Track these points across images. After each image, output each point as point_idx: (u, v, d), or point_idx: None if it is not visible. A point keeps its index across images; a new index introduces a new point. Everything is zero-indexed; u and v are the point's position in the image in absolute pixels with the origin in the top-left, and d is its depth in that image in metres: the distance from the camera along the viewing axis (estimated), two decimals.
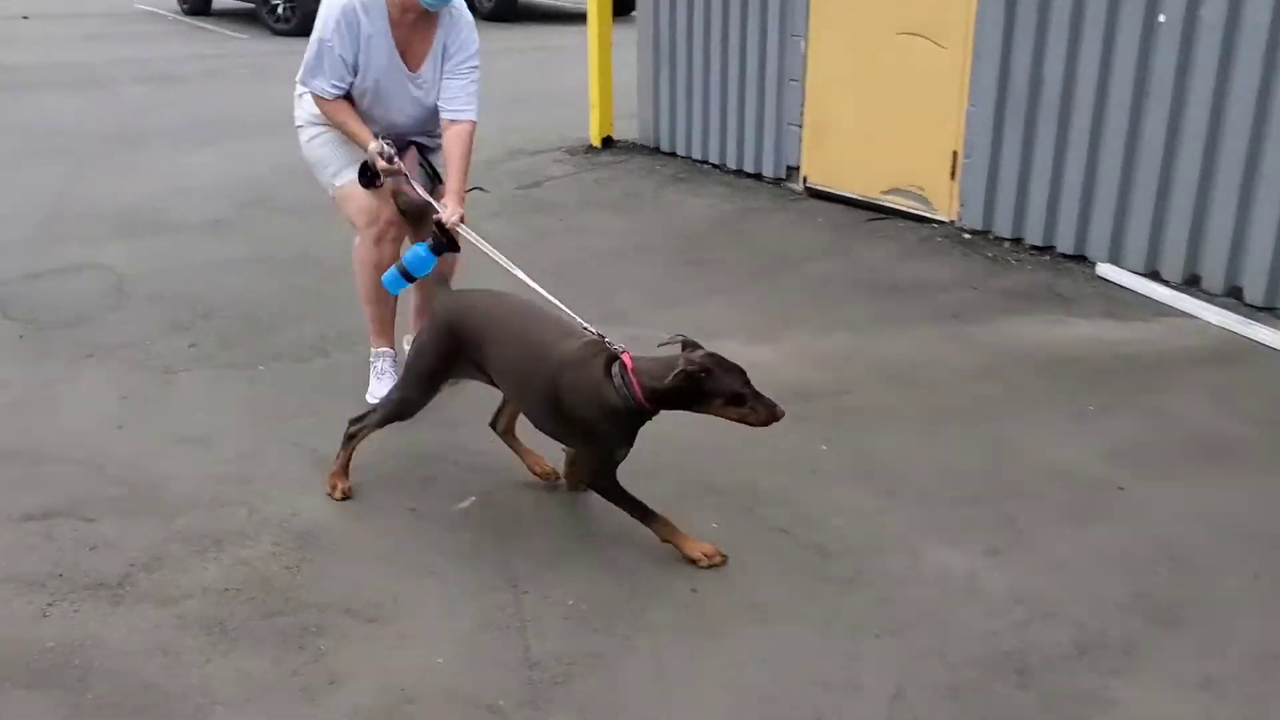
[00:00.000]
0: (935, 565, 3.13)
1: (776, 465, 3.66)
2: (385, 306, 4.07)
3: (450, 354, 3.24)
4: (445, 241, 3.49)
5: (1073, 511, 3.38)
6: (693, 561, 3.09)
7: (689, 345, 2.96)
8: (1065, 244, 5.69)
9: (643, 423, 3.02)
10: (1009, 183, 5.87)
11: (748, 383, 2.89)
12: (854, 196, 6.78)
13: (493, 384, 3.24)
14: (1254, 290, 4.96)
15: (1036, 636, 2.80)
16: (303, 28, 14.26)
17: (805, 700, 2.58)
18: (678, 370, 2.84)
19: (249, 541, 3.20)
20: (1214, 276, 5.11)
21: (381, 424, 3.41)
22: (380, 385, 4.06)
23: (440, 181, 3.94)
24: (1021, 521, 3.32)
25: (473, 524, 3.32)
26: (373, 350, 4.15)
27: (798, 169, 7.14)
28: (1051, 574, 3.08)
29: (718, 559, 3.10)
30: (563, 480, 3.49)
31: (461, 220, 3.59)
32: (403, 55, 3.81)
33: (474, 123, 3.90)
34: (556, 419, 3.07)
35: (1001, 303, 5.19)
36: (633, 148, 8.26)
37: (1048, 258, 5.74)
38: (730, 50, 7.34)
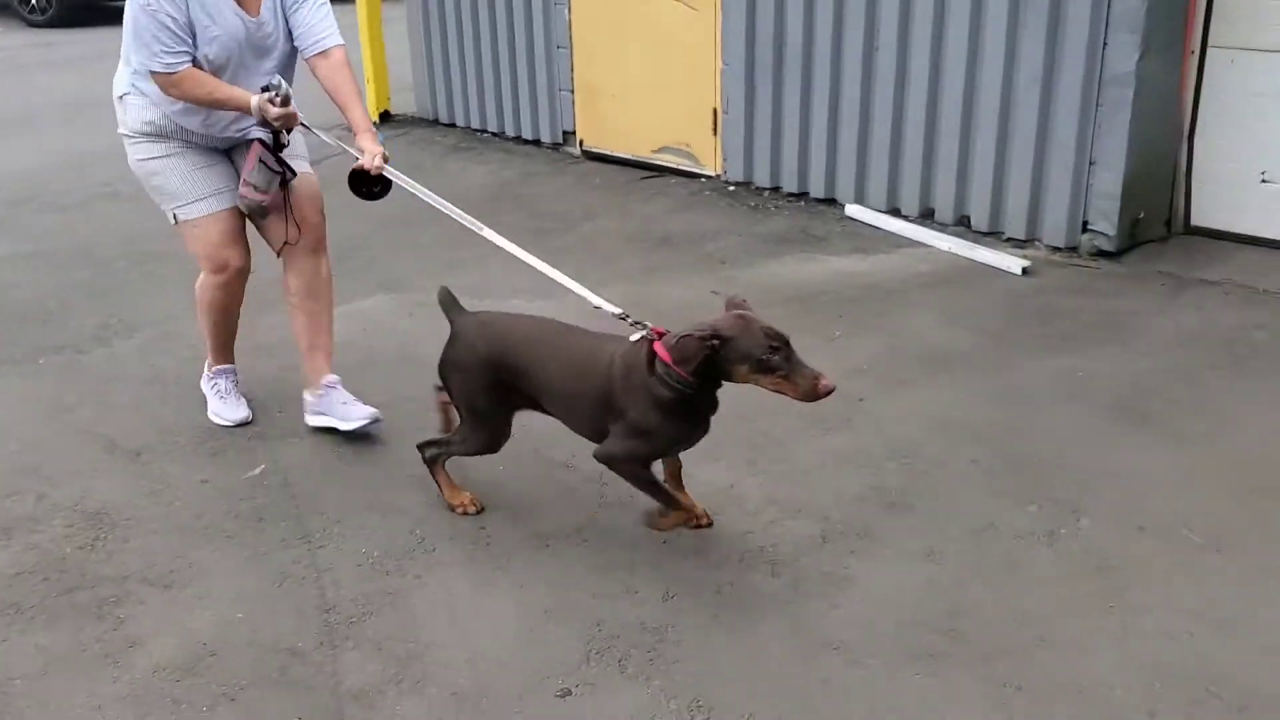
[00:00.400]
0: (702, 480, 3.46)
1: None
2: (227, 330, 3.85)
3: (494, 387, 3.07)
4: (374, 190, 3.42)
5: (819, 423, 3.77)
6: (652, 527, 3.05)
7: (734, 305, 2.80)
8: (817, 189, 6.17)
9: (709, 401, 2.87)
10: (764, 136, 6.30)
11: (777, 349, 2.64)
12: (628, 157, 7.10)
13: (539, 409, 3.11)
14: (979, 218, 5.53)
15: (785, 532, 3.16)
16: (61, 19, 13.59)
17: (585, 609, 2.86)
18: (680, 338, 2.68)
19: (39, 526, 3.24)
20: (945, 209, 5.66)
21: (465, 454, 3.26)
22: (225, 405, 3.86)
23: (293, 174, 3.57)
24: (775, 435, 3.69)
25: (264, 490, 3.45)
26: (211, 369, 3.92)
27: (573, 133, 7.40)
28: (800, 478, 3.46)
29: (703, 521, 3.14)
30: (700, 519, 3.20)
31: (385, 161, 3.40)
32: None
33: (344, 46, 3.56)
34: (615, 425, 2.89)
35: (762, 247, 5.60)
36: (411, 121, 8.34)
37: (802, 203, 6.21)
38: (498, 19, 7.52)
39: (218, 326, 3.80)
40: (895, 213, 5.83)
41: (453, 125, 8.15)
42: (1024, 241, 5.37)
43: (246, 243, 3.68)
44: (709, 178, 6.70)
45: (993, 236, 5.49)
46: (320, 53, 3.50)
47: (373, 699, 2.55)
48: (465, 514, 3.27)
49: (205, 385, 3.95)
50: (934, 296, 4.88)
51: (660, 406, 2.79)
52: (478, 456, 3.27)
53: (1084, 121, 4.99)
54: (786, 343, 2.65)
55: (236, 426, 3.80)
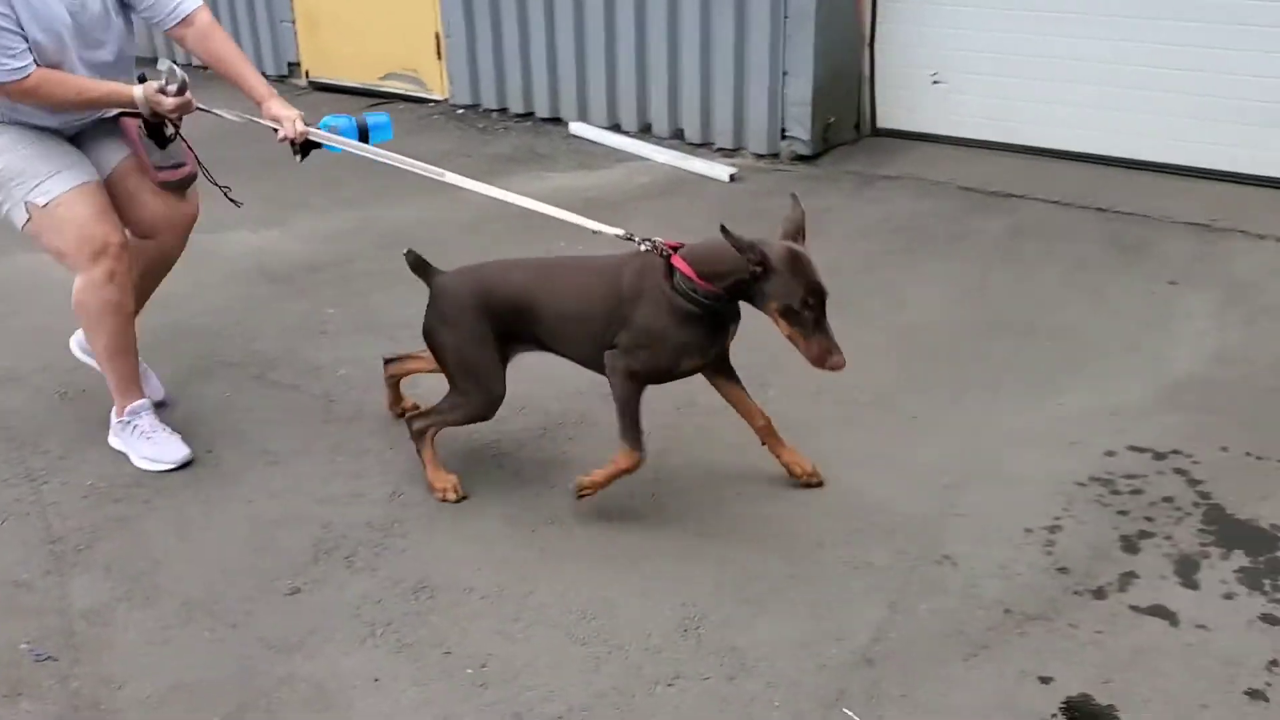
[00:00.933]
0: (433, 390, 3.63)
1: (287, 332, 4.00)
2: (128, 345, 3.18)
3: (489, 335, 2.92)
4: (301, 156, 3.19)
5: None
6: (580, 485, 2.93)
7: (791, 232, 2.74)
8: (542, 109, 6.36)
9: (731, 314, 2.83)
10: (487, 59, 6.41)
11: (812, 304, 2.56)
12: (355, 85, 7.05)
13: (543, 348, 2.99)
14: (691, 131, 5.88)
15: (510, 427, 3.38)
16: None
17: (312, 516, 3.00)
18: (716, 247, 2.64)
19: None
20: (661, 123, 5.97)
21: (458, 424, 3.07)
22: (155, 446, 3.20)
23: (180, 142, 3.21)
24: None
25: None
26: (124, 410, 3.22)
27: (298, 64, 7.27)
28: (532, 379, 3.67)
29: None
30: (810, 475, 3.05)
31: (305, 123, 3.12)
32: None
33: (206, 7, 3.18)
34: (622, 335, 2.79)
35: (491, 166, 5.75)
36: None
37: (530, 123, 6.40)
38: None
39: (117, 342, 3.13)
40: (616, 129, 6.10)
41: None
42: (732, 151, 5.75)
43: (114, 214, 3.11)
44: (437, 102, 6.77)
45: (705, 147, 5.84)
46: (181, 21, 3.11)
47: (104, 615, 2.62)
48: (445, 500, 3.03)
49: (118, 435, 3.25)
50: (652, 205, 5.18)
51: (674, 314, 2.73)
52: (463, 425, 3.10)
53: (775, 34, 5.37)
54: (823, 301, 2.57)
55: (181, 468, 3.20)
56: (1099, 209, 4.83)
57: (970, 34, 5.42)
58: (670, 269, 2.74)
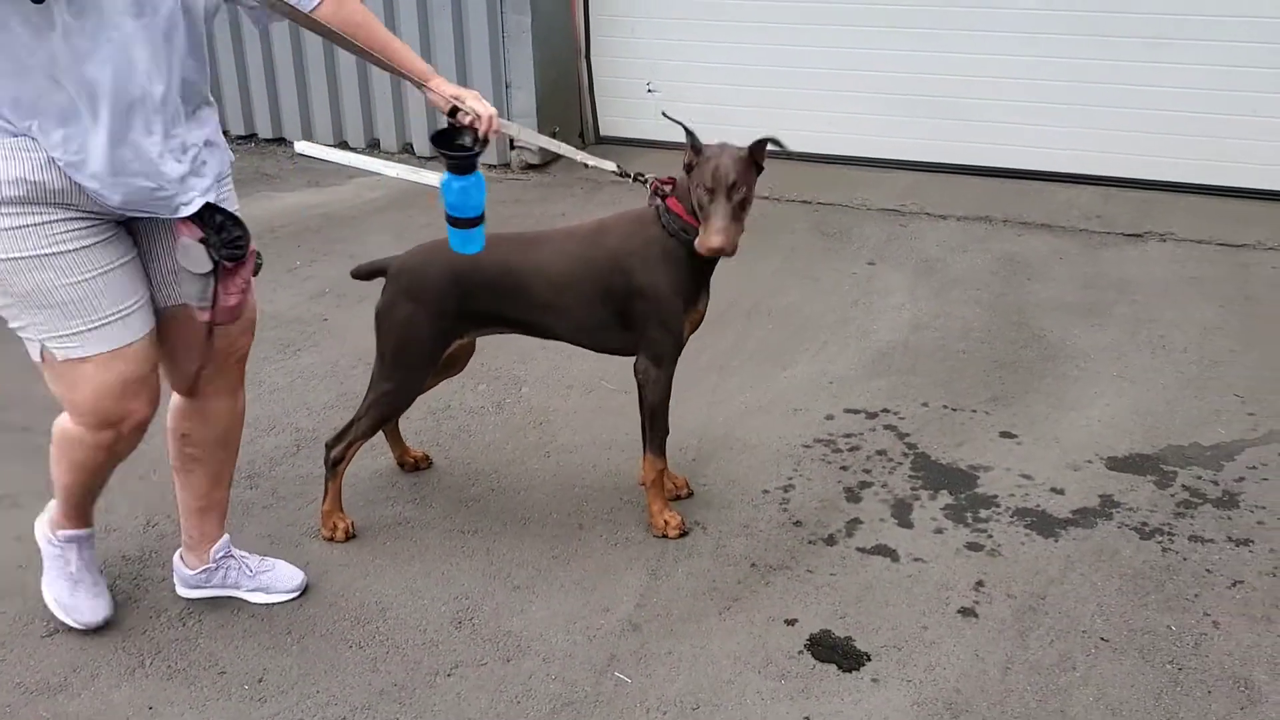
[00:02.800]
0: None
1: (19, 372, 3.78)
2: (96, 488, 2.56)
3: (454, 314, 2.76)
4: (474, 148, 2.45)
5: (288, 347, 3.98)
6: (653, 525, 2.89)
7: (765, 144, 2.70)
8: (264, 130, 6.25)
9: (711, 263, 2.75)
10: None
11: (709, 188, 2.57)
12: None
13: (519, 328, 2.84)
14: (420, 144, 5.95)
15: (261, 448, 3.37)
16: None
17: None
18: (689, 136, 2.67)
19: None
20: (389, 138, 6.01)
21: (371, 432, 2.90)
22: (76, 593, 2.61)
23: (250, 263, 2.31)
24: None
25: None
26: (59, 535, 2.63)
27: None
28: (271, 397, 3.66)
29: (673, 532, 2.88)
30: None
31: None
32: None
33: None
34: (630, 308, 2.73)
35: None
36: None
37: (252, 144, 6.27)
38: None
39: (82, 487, 2.53)
40: (344, 145, 6.08)
41: None
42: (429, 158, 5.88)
43: (158, 381, 2.40)
44: None
45: (435, 160, 5.91)
46: None
47: None
48: (331, 540, 2.89)
49: (45, 548, 2.68)
50: (387, 219, 5.21)
51: (673, 262, 2.70)
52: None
53: (494, 48, 5.53)
54: (716, 190, 2.55)
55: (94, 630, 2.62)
56: (805, 201, 5.27)
57: (679, 45, 5.77)
58: (659, 211, 2.73)
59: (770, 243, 4.84)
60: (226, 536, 2.73)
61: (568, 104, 5.88)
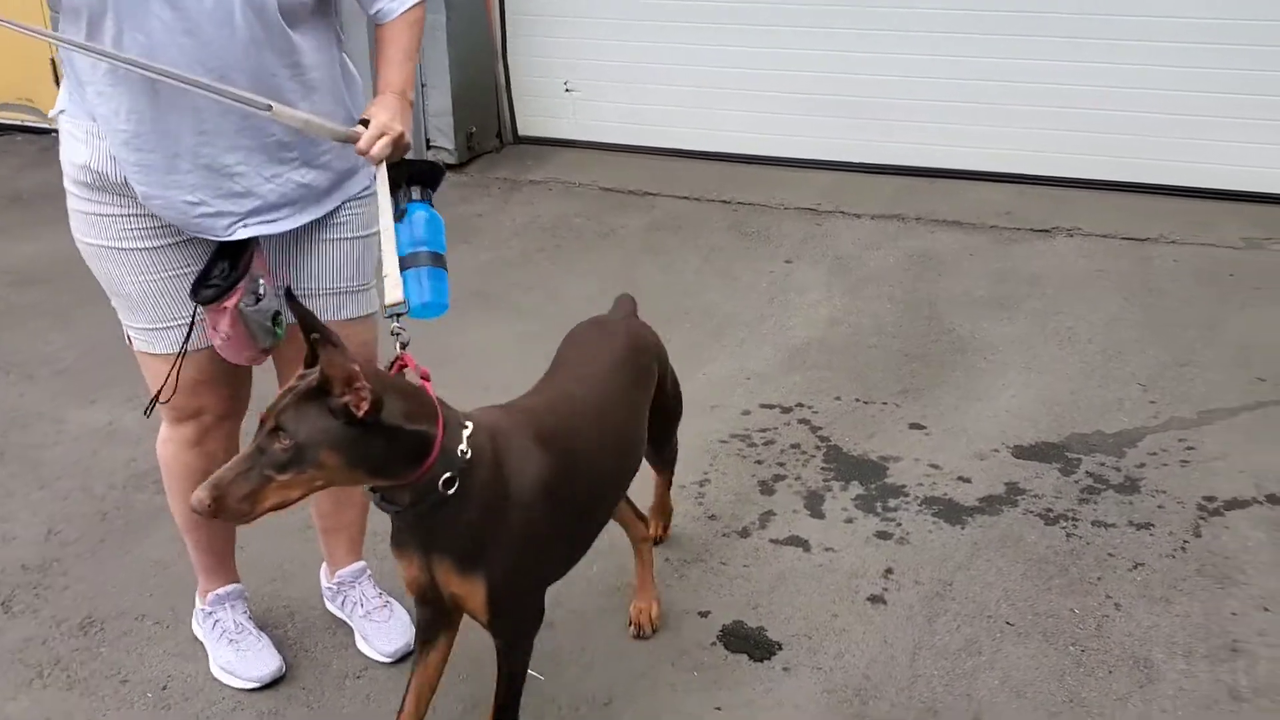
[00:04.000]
0: (79, 424, 3.47)
1: None
2: (217, 530, 2.38)
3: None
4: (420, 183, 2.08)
5: None
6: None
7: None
8: None
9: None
10: None
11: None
12: None
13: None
14: None
15: None
16: None
17: None
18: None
19: None
20: None
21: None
22: (240, 655, 2.43)
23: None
24: None
25: None
26: (207, 600, 2.49)
27: None
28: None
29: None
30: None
31: (399, 139, 2.01)
32: None
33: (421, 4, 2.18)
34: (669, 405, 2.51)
35: None
36: None
37: None
38: None
39: (207, 526, 2.34)
40: None
41: None
42: None
43: (238, 380, 2.30)
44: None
45: None
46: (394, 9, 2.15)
47: None
48: None
49: (199, 626, 2.53)
50: None
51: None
52: None
53: None
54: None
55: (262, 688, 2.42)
56: (724, 201, 5.30)
57: (597, 44, 5.77)
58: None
59: (689, 242, 4.86)
60: (358, 565, 2.57)
61: (484, 104, 5.85)
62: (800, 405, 3.53)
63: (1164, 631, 2.53)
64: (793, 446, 3.30)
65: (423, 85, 5.53)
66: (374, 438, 1.71)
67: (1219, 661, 2.44)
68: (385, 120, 1.97)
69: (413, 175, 2.03)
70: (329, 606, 2.64)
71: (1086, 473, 3.13)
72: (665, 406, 2.48)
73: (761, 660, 2.48)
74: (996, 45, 5.21)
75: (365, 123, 1.99)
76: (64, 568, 2.80)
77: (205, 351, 2.18)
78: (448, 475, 1.79)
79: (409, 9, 2.14)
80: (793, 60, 5.53)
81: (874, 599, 2.66)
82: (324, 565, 2.64)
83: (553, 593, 2.66)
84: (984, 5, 5.18)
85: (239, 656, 2.43)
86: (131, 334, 2.20)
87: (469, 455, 1.81)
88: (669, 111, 5.76)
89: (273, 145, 2.03)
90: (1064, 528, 2.90)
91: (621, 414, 2.23)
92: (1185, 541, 2.83)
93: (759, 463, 3.23)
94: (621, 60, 5.77)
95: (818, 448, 3.30)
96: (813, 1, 5.40)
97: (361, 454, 1.71)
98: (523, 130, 6.02)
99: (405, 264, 1.96)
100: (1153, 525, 2.90)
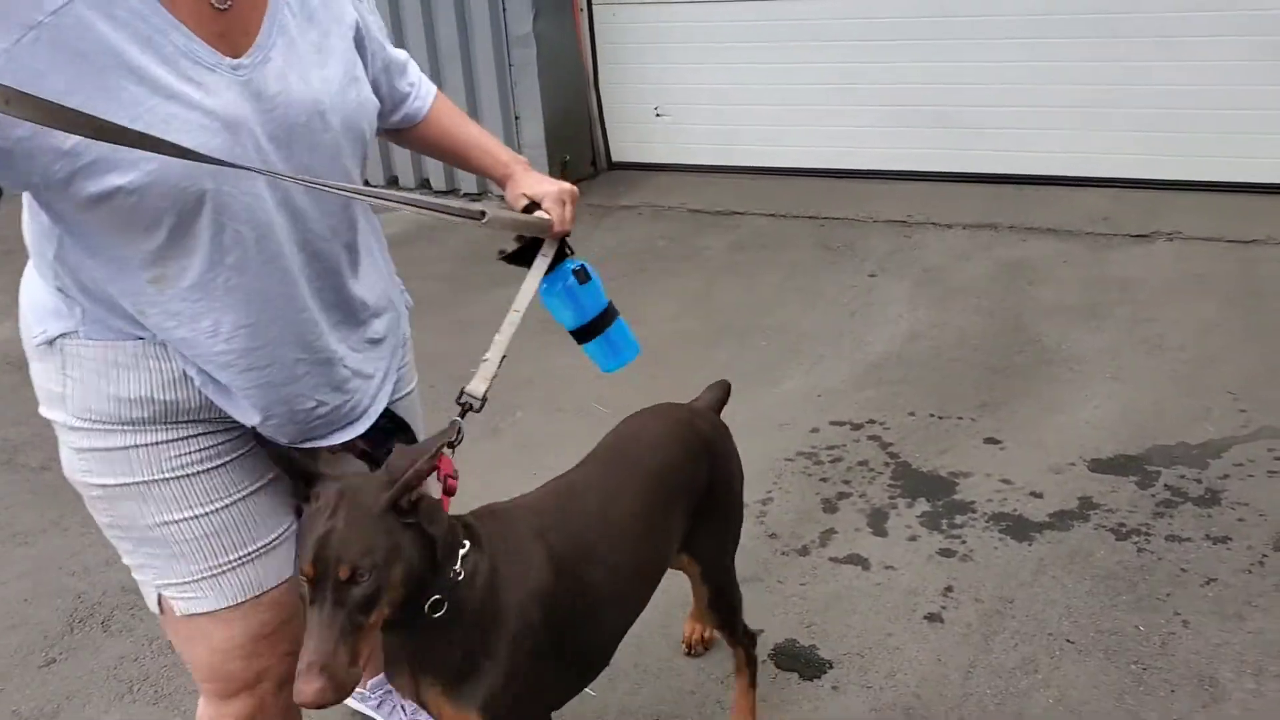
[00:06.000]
0: None
1: (34, 416, 3.96)
2: None
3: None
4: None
5: None
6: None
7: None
8: None
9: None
10: None
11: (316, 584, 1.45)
12: None
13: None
14: (436, 179, 6.12)
15: None
16: None
17: (65, 588, 3.02)
18: None
19: None
20: (406, 174, 6.18)
21: None
22: None
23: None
24: None
25: None
26: None
27: None
28: None
29: None
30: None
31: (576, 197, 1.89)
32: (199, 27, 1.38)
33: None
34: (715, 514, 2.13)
35: None
36: None
37: None
38: None
39: None
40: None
41: None
42: (477, 195, 5.99)
43: (290, 639, 1.70)
44: None
45: (452, 194, 6.06)
46: (422, 106, 1.88)
47: None
48: None
49: None
50: (409, 251, 5.34)
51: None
52: None
53: (501, 81, 5.66)
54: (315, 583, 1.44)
55: None
56: (811, 217, 5.30)
57: (685, 68, 5.85)
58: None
59: (772, 260, 4.88)
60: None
61: (577, 132, 5.99)
62: (872, 421, 3.50)
63: (1234, 649, 2.44)
64: (860, 464, 3.29)
65: (516, 117, 5.70)
66: (412, 539, 1.51)
67: None
68: (552, 189, 1.83)
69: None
70: (357, 706, 2.41)
71: (1165, 485, 3.03)
72: (710, 514, 2.09)
73: (811, 679, 2.48)
74: (1084, 47, 5.09)
75: (534, 205, 1.82)
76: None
77: (271, 595, 1.68)
78: (435, 597, 1.56)
79: (437, 95, 1.91)
80: (876, 71, 5.50)
81: (931, 617, 2.63)
82: None
83: None
84: (1069, 7, 5.06)
85: None
86: (170, 594, 1.63)
87: (460, 576, 1.59)
88: (757, 130, 5.79)
89: (338, 305, 1.64)
90: (1136, 542, 2.81)
91: (642, 522, 1.92)
92: (1264, 556, 2.71)
93: (824, 480, 3.22)
94: (709, 83, 5.83)
95: (886, 464, 3.27)
96: (893, 14, 5.37)
97: (409, 559, 1.50)
98: (616, 156, 6.13)
99: (588, 334, 1.96)
100: (1230, 539, 2.79)
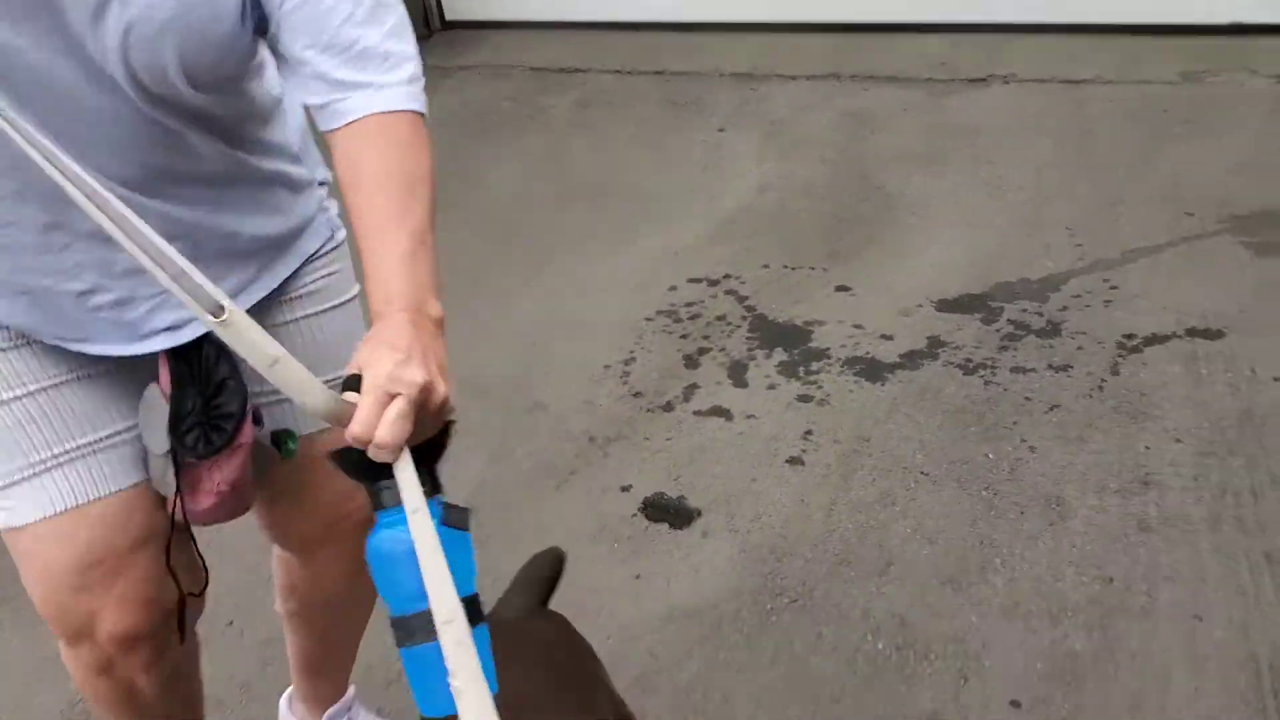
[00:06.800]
0: None
1: None
2: None
3: None
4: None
5: None
6: None
7: None
8: None
9: None
10: None
11: None
12: None
13: None
14: None
15: None
16: None
17: None
18: None
19: None
20: None
21: None
22: None
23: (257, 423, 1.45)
24: None
25: None
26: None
27: None
28: None
29: None
30: None
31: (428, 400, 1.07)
32: None
33: (413, 113, 1.25)
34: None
35: None
36: None
37: None
38: None
39: None
40: None
41: None
42: None
43: (157, 565, 1.46)
44: None
45: None
46: (349, 113, 1.23)
47: None
48: None
49: None
50: None
51: None
52: None
53: None
54: None
55: None
56: (656, 72, 5.18)
57: None
58: None
59: (618, 117, 4.77)
60: (349, 694, 1.98)
61: None
62: (728, 276, 3.51)
63: (1077, 470, 2.57)
64: (719, 319, 3.30)
65: None
66: None
67: (1130, 495, 2.47)
68: (382, 373, 1.03)
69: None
70: None
71: (1008, 320, 3.13)
72: None
73: (681, 528, 2.52)
74: None
75: (355, 380, 1.05)
76: None
77: (123, 497, 1.42)
78: None
79: (383, 113, 1.22)
80: None
81: (792, 461, 2.69)
82: (292, 703, 2.02)
83: (477, 478, 2.68)
84: None
85: None
86: None
87: None
88: None
89: (156, 176, 1.29)
90: (983, 376, 2.92)
91: None
92: (1103, 380, 2.85)
93: (684, 337, 3.22)
94: None
95: (743, 318, 3.29)
96: None
97: None
98: (450, 14, 5.86)
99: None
100: (1071, 367, 2.91)
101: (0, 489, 1.38)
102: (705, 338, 3.21)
